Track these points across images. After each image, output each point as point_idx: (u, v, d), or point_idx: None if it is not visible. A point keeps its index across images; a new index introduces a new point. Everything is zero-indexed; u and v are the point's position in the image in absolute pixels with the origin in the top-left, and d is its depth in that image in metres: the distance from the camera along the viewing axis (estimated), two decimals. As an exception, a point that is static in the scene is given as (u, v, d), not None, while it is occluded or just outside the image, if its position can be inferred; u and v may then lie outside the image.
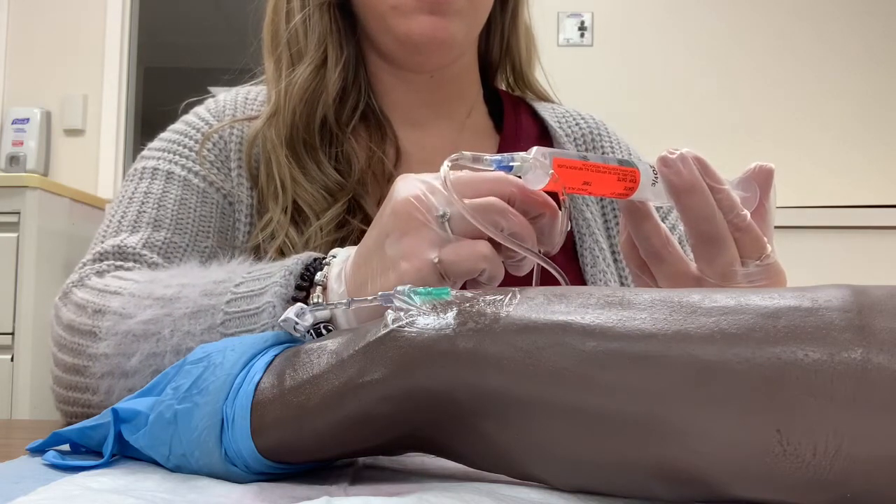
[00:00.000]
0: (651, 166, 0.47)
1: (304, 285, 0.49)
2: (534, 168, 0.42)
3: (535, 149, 0.42)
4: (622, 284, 0.73)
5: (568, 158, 0.43)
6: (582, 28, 2.74)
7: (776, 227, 0.52)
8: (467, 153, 0.41)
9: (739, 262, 0.47)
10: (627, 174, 0.45)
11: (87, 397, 0.55)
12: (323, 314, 0.44)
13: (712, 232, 0.46)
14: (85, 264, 0.63)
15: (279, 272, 0.49)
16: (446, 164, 0.41)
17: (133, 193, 0.69)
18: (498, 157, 0.41)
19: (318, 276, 0.48)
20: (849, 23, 2.65)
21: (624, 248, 0.52)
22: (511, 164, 0.41)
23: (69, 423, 0.42)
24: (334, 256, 0.49)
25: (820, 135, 2.62)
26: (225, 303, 0.49)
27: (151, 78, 4.32)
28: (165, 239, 0.66)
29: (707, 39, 2.70)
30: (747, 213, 0.48)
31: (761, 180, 0.51)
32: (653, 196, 0.47)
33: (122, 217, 0.67)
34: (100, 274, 0.61)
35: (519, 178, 0.44)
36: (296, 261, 0.50)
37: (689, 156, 0.47)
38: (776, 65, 2.67)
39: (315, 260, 0.50)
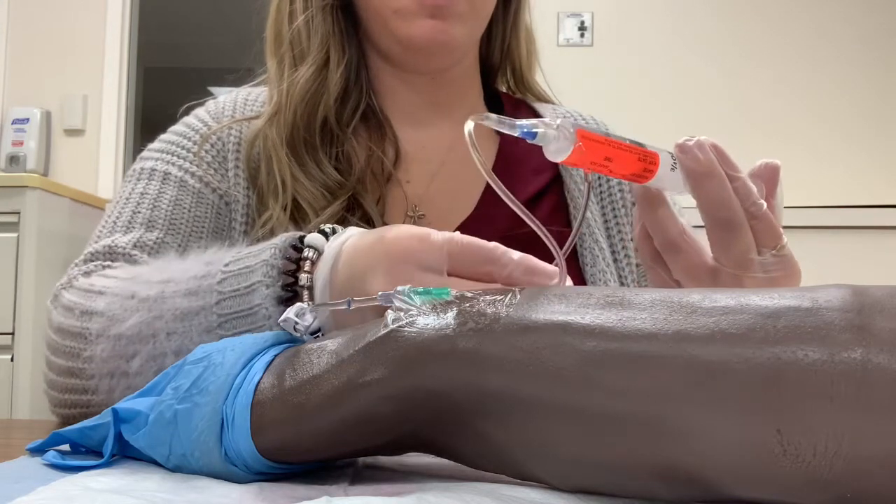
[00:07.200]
0: (669, 152, 0.47)
1: (291, 281, 0.47)
2: (558, 138, 0.40)
3: (560, 118, 0.41)
4: (622, 284, 0.73)
5: (592, 132, 0.42)
6: (582, 28, 2.75)
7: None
8: (493, 115, 0.38)
9: (756, 251, 0.47)
10: (648, 156, 0.45)
11: (86, 398, 0.55)
12: (324, 315, 0.43)
13: (729, 218, 0.46)
14: (76, 265, 0.63)
15: (261, 268, 0.47)
16: (469, 122, 0.38)
17: (129, 194, 0.70)
18: (523, 122, 0.39)
19: (303, 278, 0.46)
20: (852, 20, 2.65)
21: (638, 239, 0.51)
22: (535, 130, 0.40)
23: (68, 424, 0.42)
24: (319, 253, 0.47)
25: (821, 135, 2.62)
26: (214, 303, 0.48)
27: (151, 78, 4.32)
28: (157, 239, 0.66)
29: (707, 39, 2.70)
30: (763, 202, 0.47)
31: (767, 177, 0.50)
32: (669, 184, 0.47)
33: (118, 218, 0.68)
34: (87, 274, 0.60)
35: (519, 255, 0.42)
36: (272, 251, 0.47)
37: (706, 143, 0.47)
38: (777, 63, 2.67)
39: (293, 247, 0.47)
